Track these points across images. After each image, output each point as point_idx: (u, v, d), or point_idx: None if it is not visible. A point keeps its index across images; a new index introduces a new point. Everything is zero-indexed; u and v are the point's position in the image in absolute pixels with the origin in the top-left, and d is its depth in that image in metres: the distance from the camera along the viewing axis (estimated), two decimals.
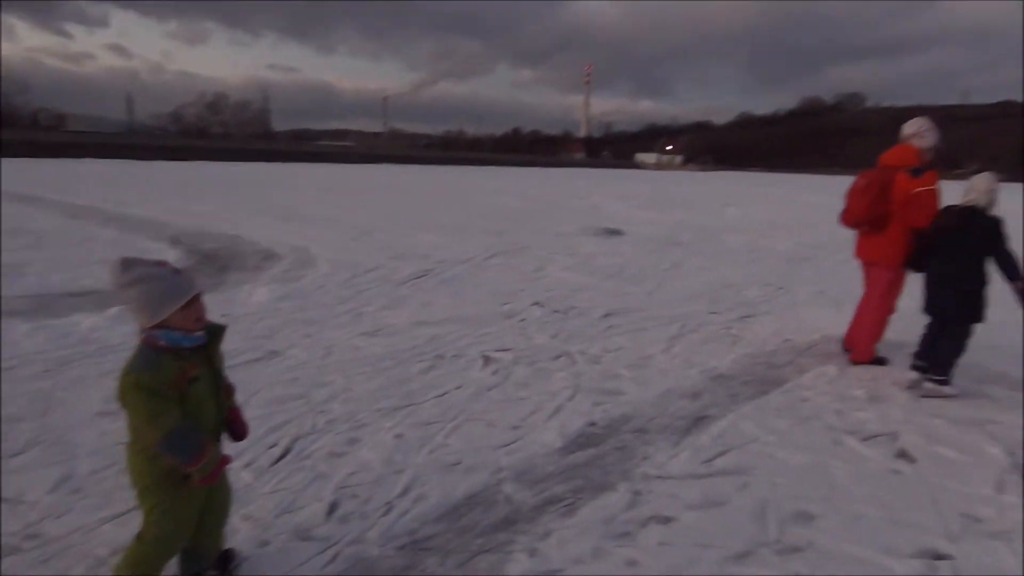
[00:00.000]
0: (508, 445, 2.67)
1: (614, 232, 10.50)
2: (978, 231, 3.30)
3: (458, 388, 3.30)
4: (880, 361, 3.88)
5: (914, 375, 3.47)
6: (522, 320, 4.73)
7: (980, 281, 3.31)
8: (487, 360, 3.77)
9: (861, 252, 3.92)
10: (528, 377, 3.51)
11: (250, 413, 2.11)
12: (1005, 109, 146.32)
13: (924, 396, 3.37)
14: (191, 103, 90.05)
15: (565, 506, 2.23)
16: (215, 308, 3.38)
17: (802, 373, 3.72)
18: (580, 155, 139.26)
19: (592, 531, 2.08)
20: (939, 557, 2.01)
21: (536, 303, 5.27)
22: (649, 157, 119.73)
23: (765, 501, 2.29)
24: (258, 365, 3.55)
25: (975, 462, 2.64)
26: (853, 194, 3.78)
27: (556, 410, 3.05)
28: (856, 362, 3.88)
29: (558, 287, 5.95)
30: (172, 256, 6.89)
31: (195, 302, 1.53)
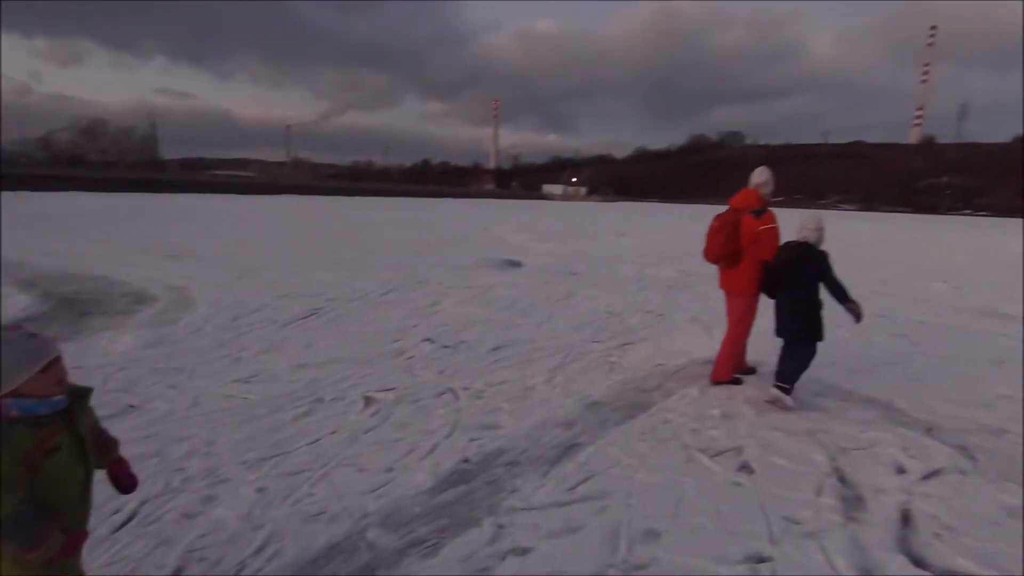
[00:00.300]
0: (377, 490, 2.65)
1: (513, 264, 10.79)
2: (811, 263, 3.80)
3: (333, 433, 3.23)
4: (736, 381, 4.29)
5: (777, 393, 3.83)
6: (410, 357, 4.73)
7: (816, 306, 3.80)
8: (368, 401, 3.73)
9: (723, 284, 4.36)
10: (408, 416, 3.51)
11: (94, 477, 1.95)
12: (857, 149, 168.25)
13: (767, 401, 3.81)
14: (63, 128, 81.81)
15: (428, 547, 2.25)
16: (67, 360, 3.10)
17: (668, 396, 4.01)
18: (490, 186, 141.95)
19: (452, 570, 2.12)
20: (761, 560, 2.25)
21: (427, 339, 5.29)
22: (556, 188, 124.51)
23: (619, 523, 2.45)
24: (111, 422, 3.26)
25: (802, 469, 2.98)
26: (710, 234, 4.23)
27: (432, 449, 3.07)
28: (715, 382, 4.26)
29: (451, 321, 6.01)
30: (23, 302, 6.19)
31: (53, 365, 1.42)
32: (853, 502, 2.68)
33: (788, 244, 3.93)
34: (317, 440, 3.14)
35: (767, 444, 3.26)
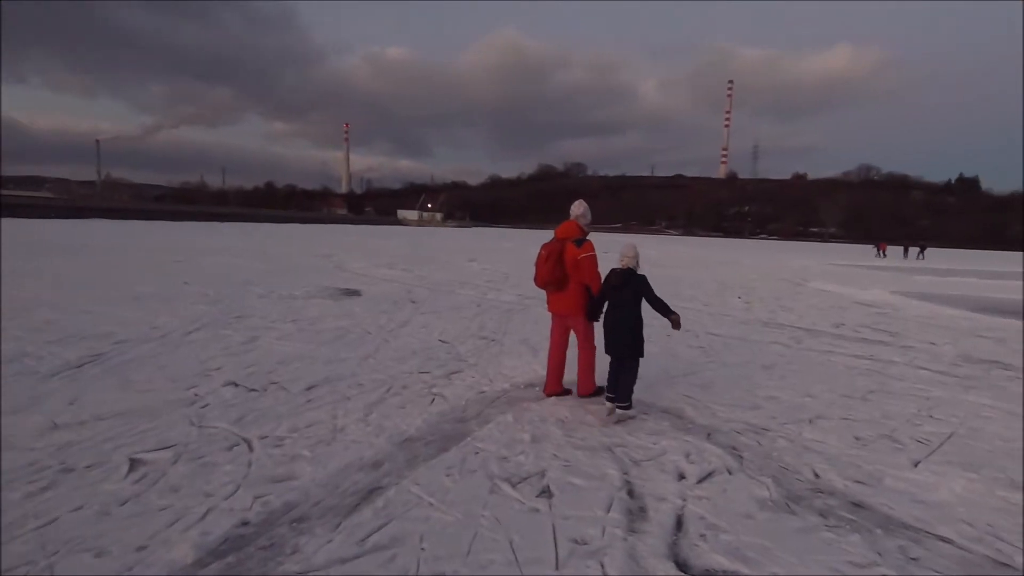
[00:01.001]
0: None
1: (350, 292, 10.31)
2: (633, 287, 4.19)
3: (76, 510, 2.68)
4: (567, 392, 4.70)
5: (609, 405, 4.22)
6: (204, 406, 4.17)
7: (641, 323, 4.19)
8: (134, 464, 3.18)
9: (551, 307, 4.65)
10: (184, 478, 3.05)
11: None
12: (678, 181, 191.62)
13: (618, 421, 4.13)
14: None
15: None
16: None
17: (485, 424, 4.01)
18: (342, 211, 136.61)
19: None
20: None
21: (230, 382, 4.73)
22: (411, 214, 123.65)
23: (407, 572, 2.31)
24: None
25: (596, 487, 3.11)
26: (539, 262, 4.47)
27: (204, 515, 2.68)
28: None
29: (265, 360, 5.48)
30: None
31: None
32: (637, 514, 2.84)
33: (614, 271, 4.28)
34: (51, 522, 2.57)
35: (569, 464, 3.38)
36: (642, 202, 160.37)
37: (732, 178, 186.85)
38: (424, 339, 6.71)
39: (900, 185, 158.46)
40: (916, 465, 3.55)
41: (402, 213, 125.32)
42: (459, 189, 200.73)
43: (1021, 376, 6.00)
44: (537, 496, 2.99)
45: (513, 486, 3.08)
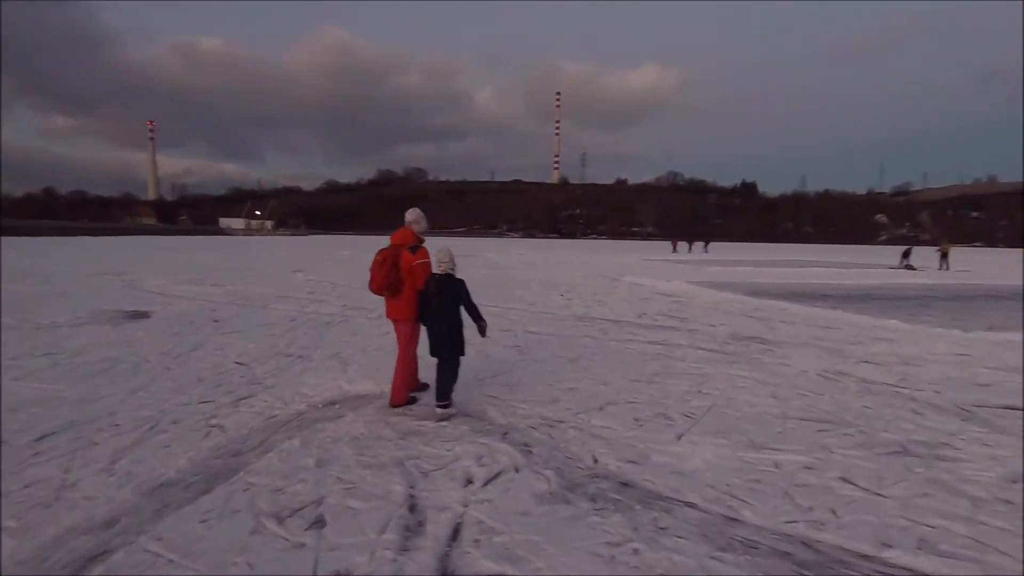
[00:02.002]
0: None
1: (137, 315, 8.88)
2: (452, 291, 4.34)
3: None
4: (412, 400, 4.65)
5: (441, 411, 4.30)
6: None
7: (460, 325, 4.35)
8: None
9: (388, 313, 4.60)
10: None
11: None
12: (517, 186, 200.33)
13: (439, 420, 4.23)
14: None
15: None
16: None
17: (265, 454, 3.61)
18: (150, 220, 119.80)
19: None
20: None
21: None
22: (236, 222, 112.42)
23: None
24: None
25: (376, 508, 2.93)
26: (373, 268, 4.47)
27: None
28: (394, 406, 4.53)
29: None
30: None
31: None
32: (414, 530, 2.72)
33: (434, 276, 4.38)
34: None
35: (353, 486, 3.15)
36: (484, 207, 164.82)
37: (564, 183, 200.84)
38: (217, 363, 5.96)
39: (699, 189, 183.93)
40: (680, 438, 3.95)
41: (225, 221, 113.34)
42: (292, 195, 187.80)
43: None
44: (307, 529, 2.72)
45: (280, 522, 2.77)
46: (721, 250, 51.03)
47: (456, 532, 2.71)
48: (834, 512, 2.92)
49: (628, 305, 11.32)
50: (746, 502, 3.01)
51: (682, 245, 48.16)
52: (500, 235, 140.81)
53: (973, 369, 6.15)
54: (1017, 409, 4.77)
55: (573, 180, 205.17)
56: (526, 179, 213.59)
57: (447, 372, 4.33)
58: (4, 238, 39.57)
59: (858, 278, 19.92)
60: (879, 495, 3.12)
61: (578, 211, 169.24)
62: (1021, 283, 18.77)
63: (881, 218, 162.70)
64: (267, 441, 3.83)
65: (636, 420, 4.33)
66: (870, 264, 30.66)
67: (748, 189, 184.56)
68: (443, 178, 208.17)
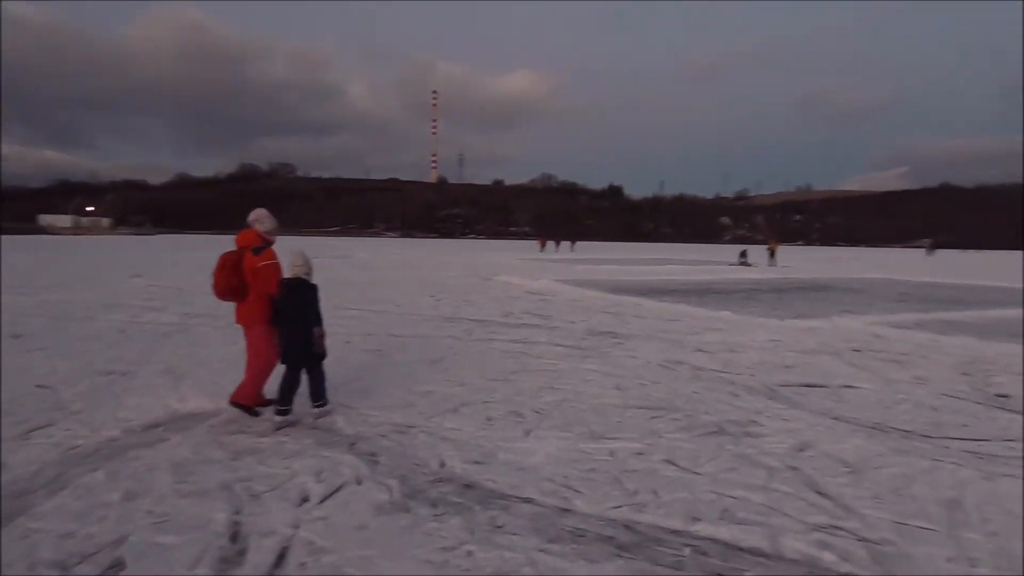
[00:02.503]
0: None
1: None
2: (300, 298, 4.23)
3: None
4: (254, 412, 4.35)
5: (278, 419, 4.21)
6: None
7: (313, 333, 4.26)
8: None
9: (238, 318, 4.40)
10: None
11: None
12: (393, 184, 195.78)
13: (317, 419, 4.27)
14: None
15: None
16: None
17: (56, 493, 3.10)
18: None
19: None
20: None
21: None
22: (62, 219, 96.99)
23: None
24: None
25: (191, 540, 2.64)
26: (216, 271, 4.27)
27: None
28: (233, 403, 4.32)
29: None
30: None
31: None
32: (232, 561, 2.49)
33: (285, 280, 4.27)
34: None
35: (165, 519, 2.82)
36: (360, 205, 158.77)
37: (443, 183, 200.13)
38: (10, 388, 5.05)
39: (572, 191, 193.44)
40: (528, 435, 4.07)
41: (47, 219, 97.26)
42: (136, 189, 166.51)
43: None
44: None
45: (65, 571, 2.39)
46: (587, 249, 54.16)
47: (281, 557, 2.53)
48: (655, 493, 3.18)
49: (496, 304, 11.52)
50: (579, 492, 3.18)
51: (550, 244, 50.17)
52: (377, 235, 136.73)
53: (782, 353, 7.11)
54: (814, 386, 5.58)
55: (451, 180, 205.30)
56: (403, 177, 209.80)
57: (315, 376, 4.34)
58: None
59: (703, 274, 22.18)
60: (695, 473, 3.46)
61: (457, 211, 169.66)
62: (827, 277, 22.16)
63: (725, 220, 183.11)
64: (62, 477, 3.30)
65: (488, 419, 4.39)
66: (714, 261, 34.28)
67: (615, 192, 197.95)
68: (315, 174, 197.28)
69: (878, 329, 9.02)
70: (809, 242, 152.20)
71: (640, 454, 3.75)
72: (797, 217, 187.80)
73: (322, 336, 4.30)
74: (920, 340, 8.14)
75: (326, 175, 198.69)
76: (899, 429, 4.35)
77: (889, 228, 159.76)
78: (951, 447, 3.99)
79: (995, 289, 17.78)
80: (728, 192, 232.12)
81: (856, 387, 5.58)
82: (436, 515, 2.91)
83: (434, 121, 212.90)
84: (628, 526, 2.83)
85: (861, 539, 2.73)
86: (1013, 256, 59.91)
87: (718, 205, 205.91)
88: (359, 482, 3.28)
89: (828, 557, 2.57)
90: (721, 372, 6.06)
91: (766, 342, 7.83)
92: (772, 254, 31.53)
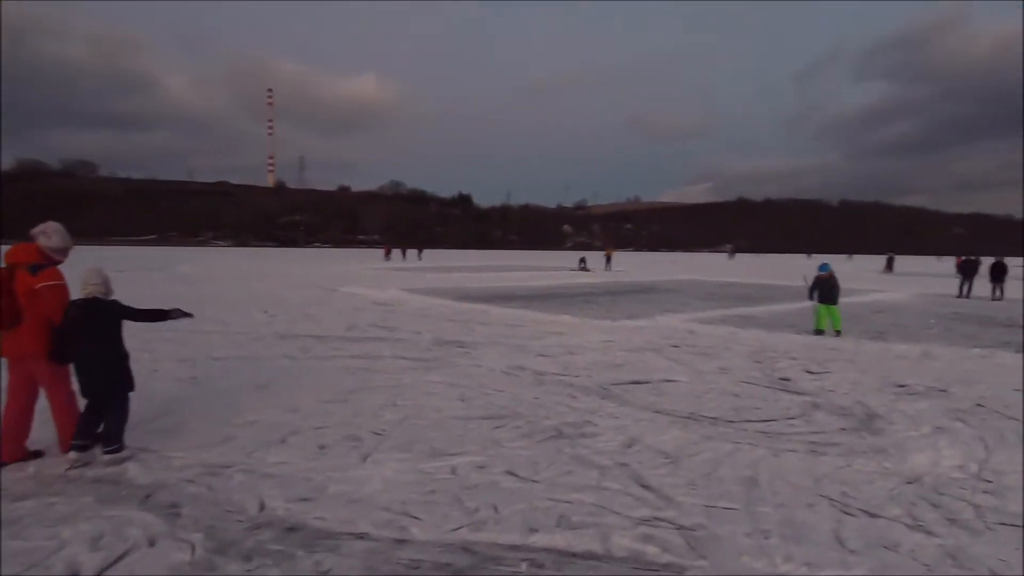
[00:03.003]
0: None
1: None
2: (104, 316, 3.74)
3: None
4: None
5: (76, 455, 3.66)
6: None
7: (123, 356, 3.83)
8: None
9: (5, 350, 3.68)
10: None
11: None
12: (223, 188, 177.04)
13: (108, 466, 3.62)
14: None
15: None
16: None
17: None
18: None
19: None
20: None
21: None
22: None
23: None
24: None
25: None
26: None
27: None
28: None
29: None
30: None
31: None
32: None
33: (75, 302, 3.73)
34: None
35: None
36: (183, 211, 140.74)
37: (281, 187, 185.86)
38: None
39: (421, 199, 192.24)
40: (365, 460, 3.80)
41: None
42: None
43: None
44: None
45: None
46: (437, 257, 54.19)
47: None
48: (495, 508, 3.13)
49: (339, 318, 10.87)
50: (417, 518, 3.01)
51: (395, 253, 49.17)
52: (205, 244, 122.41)
53: (614, 353, 7.65)
54: (640, 383, 6.05)
55: (291, 185, 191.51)
56: (235, 181, 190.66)
57: (114, 409, 3.82)
58: None
59: (546, 280, 23.35)
60: (534, 481, 3.49)
61: (298, 217, 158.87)
62: (652, 280, 24.67)
63: (567, 228, 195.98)
64: None
65: (320, 448, 4.02)
66: (558, 267, 36.36)
67: (464, 200, 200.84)
68: (123, 175, 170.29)
69: (691, 325, 10.19)
70: (638, 248, 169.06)
71: (482, 467, 3.69)
72: (628, 226, 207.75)
73: (179, 313, 4.10)
74: (722, 334, 9.35)
75: (138, 176, 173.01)
76: (708, 417, 4.87)
77: (699, 235, 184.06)
78: (748, 429, 4.56)
79: (779, 288, 21.28)
80: (569, 202, 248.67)
81: (674, 380, 6.18)
82: (250, 571, 2.54)
83: (270, 121, 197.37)
84: (467, 548, 2.74)
85: (678, 527, 2.94)
86: (796, 258, 72.58)
87: (560, 214, 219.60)
88: (152, 543, 2.75)
89: (651, 550, 2.72)
90: (561, 375, 6.31)
91: (601, 343, 8.38)
92: (608, 260, 34.39)
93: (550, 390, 5.68)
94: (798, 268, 37.49)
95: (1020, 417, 4.95)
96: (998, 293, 17.37)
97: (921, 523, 3.03)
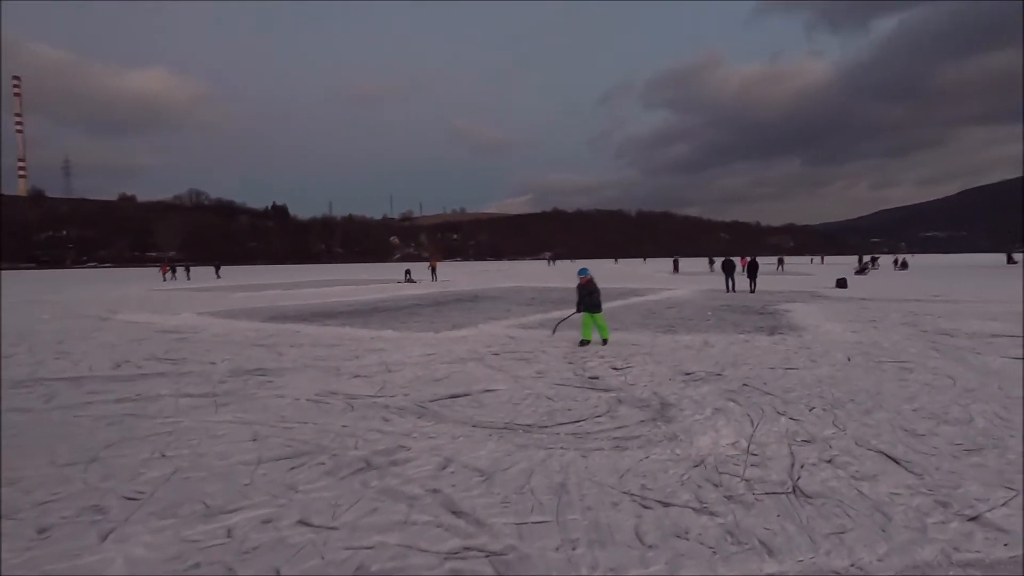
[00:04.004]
0: None
1: None
2: None
3: None
4: None
5: None
6: None
7: None
8: None
9: None
10: None
11: None
12: None
13: None
14: None
15: None
16: None
17: None
18: None
19: None
20: None
21: None
22: None
23: None
24: None
25: None
26: None
27: None
28: None
29: None
30: None
31: None
32: None
33: None
34: None
35: None
36: None
37: (39, 196, 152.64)
38: None
39: (228, 210, 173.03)
40: (105, 539, 2.97)
41: None
42: None
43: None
44: None
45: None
46: (249, 273, 49.02)
47: None
48: (278, 572, 2.63)
49: (106, 353, 8.96)
50: None
51: (180, 271, 42.63)
52: None
53: (435, 366, 7.41)
54: (459, 396, 5.88)
55: (53, 193, 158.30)
56: None
57: None
58: None
59: (371, 293, 22.40)
60: (330, 528, 3.04)
61: (65, 232, 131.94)
62: (477, 288, 25.13)
63: (394, 239, 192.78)
64: None
65: (41, 532, 3.07)
66: (384, 280, 35.26)
67: (280, 212, 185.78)
68: None
69: (512, 331, 10.43)
70: (466, 258, 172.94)
71: (268, 522, 3.13)
72: (455, 236, 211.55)
73: None
74: (541, 338, 9.71)
75: None
76: (523, 424, 4.86)
77: (521, 244, 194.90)
78: (560, 433, 4.63)
79: None
80: (395, 213, 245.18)
81: (494, 390, 6.14)
82: None
83: (19, 116, 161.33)
84: None
85: (488, 554, 2.76)
86: (606, 263, 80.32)
87: (386, 225, 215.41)
88: None
89: None
90: (376, 397, 5.87)
91: (422, 356, 8.09)
92: (433, 271, 34.28)
93: (362, 415, 5.21)
94: (611, 272, 41.53)
95: (775, 392, 5.81)
96: (753, 287, 20.99)
97: (706, 505, 3.26)
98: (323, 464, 3.99)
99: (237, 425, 4.93)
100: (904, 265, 45.54)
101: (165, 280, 39.01)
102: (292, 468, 3.92)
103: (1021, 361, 7.21)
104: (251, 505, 3.33)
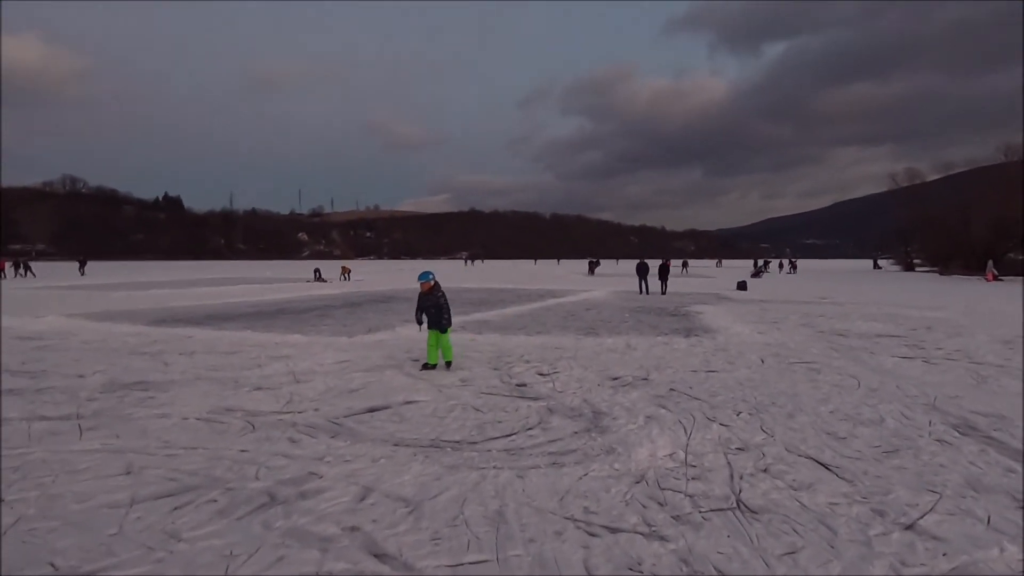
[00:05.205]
0: None
1: None
2: None
3: None
4: None
5: None
6: None
7: None
8: None
9: None
10: None
11: None
12: None
13: None
14: None
15: None
16: None
17: None
18: None
19: None
20: None
21: None
22: None
23: None
24: None
25: None
26: None
27: None
28: None
29: None
30: None
31: None
32: None
33: None
34: None
35: None
36: None
37: None
38: None
39: (111, 200, 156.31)
40: None
41: None
42: None
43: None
44: None
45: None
46: (132, 270, 44.27)
47: None
48: None
49: None
50: None
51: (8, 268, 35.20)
52: None
53: (350, 375, 6.79)
54: (378, 409, 5.35)
55: None
56: None
57: None
58: None
59: (277, 293, 20.84)
60: None
61: None
62: (393, 288, 24.20)
63: (303, 236, 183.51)
64: None
65: None
66: (292, 279, 33.16)
67: (173, 203, 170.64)
68: None
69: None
70: (380, 256, 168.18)
71: None
72: (368, 234, 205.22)
73: None
74: (463, 341, 9.30)
75: None
76: (451, 441, 4.45)
77: (438, 243, 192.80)
78: (492, 449, 4.27)
79: (510, 291, 23.01)
80: (304, 209, 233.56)
81: (415, 401, 5.67)
82: None
83: None
84: None
85: None
86: (525, 263, 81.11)
87: (294, 221, 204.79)
88: None
89: None
90: (282, 413, 5.20)
91: (334, 364, 7.41)
92: (347, 276, 32.65)
93: (265, 436, 4.55)
94: (528, 273, 41.80)
95: (702, 397, 5.82)
96: (664, 289, 21.83)
97: (655, 528, 3.04)
98: (215, 502, 3.36)
99: (106, 454, 4.11)
100: (794, 267, 50.50)
101: (4, 277, 32.45)
102: (175, 508, 3.26)
103: (907, 360, 7.80)
104: (116, 564, 2.67)
